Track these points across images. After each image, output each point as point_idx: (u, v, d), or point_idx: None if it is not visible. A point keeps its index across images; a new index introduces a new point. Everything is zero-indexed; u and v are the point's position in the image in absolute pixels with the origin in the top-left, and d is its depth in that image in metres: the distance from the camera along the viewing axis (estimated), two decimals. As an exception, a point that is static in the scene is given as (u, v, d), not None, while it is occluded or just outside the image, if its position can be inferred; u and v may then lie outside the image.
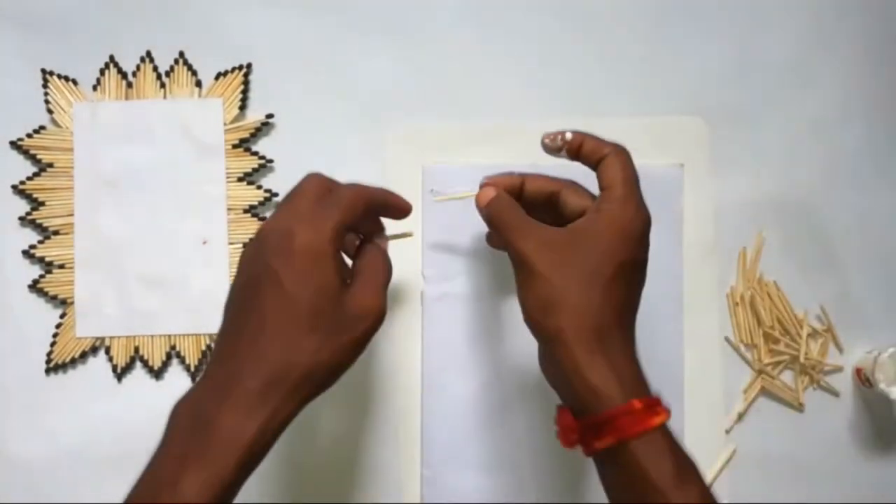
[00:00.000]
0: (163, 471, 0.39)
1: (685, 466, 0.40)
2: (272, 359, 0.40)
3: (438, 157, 0.58)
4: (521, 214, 0.47)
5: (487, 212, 0.49)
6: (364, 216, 0.45)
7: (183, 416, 0.40)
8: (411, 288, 0.57)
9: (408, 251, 0.56)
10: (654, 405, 0.41)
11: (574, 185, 0.48)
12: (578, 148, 0.47)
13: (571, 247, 0.43)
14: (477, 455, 0.57)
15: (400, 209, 0.48)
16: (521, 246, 0.44)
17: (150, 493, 0.38)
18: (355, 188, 0.45)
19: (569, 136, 0.47)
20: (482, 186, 0.50)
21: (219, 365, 0.41)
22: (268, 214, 0.58)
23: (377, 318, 0.43)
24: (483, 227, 0.51)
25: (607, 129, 0.48)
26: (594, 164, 0.46)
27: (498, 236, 0.48)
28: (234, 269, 0.57)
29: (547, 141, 0.47)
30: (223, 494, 0.38)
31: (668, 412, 0.41)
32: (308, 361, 0.40)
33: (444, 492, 0.56)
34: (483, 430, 0.57)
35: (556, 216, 0.47)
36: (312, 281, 0.41)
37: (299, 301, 0.40)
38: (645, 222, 0.45)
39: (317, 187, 0.44)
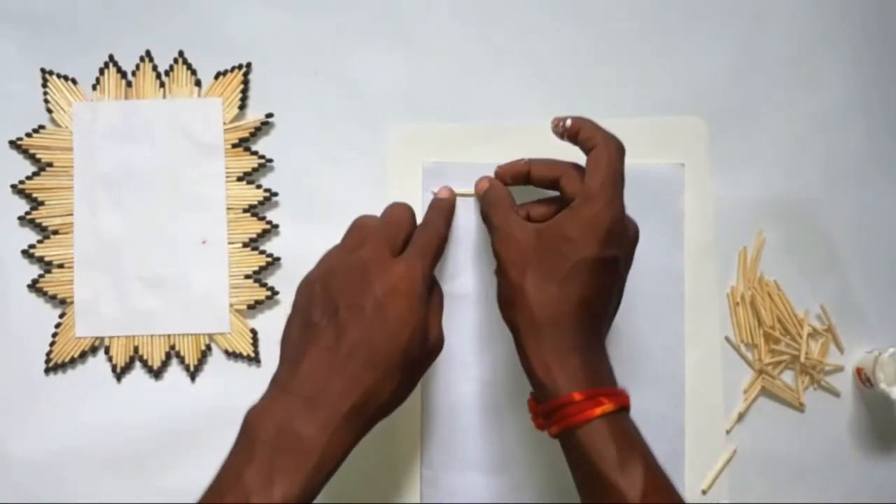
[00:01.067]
0: (252, 483, 0.40)
1: (630, 453, 0.42)
2: (363, 387, 0.43)
3: (439, 157, 0.58)
4: (504, 212, 0.49)
5: (480, 203, 0.52)
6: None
7: (267, 429, 0.41)
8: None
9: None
10: (597, 396, 0.43)
11: (574, 171, 0.49)
12: (576, 134, 0.48)
13: (536, 244, 0.46)
14: (477, 455, 0.57)
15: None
16: (495, 245, 0.48)
17: (243, 494, 0.40)
18: (431, 231, 0.49)
19: (569, 122, 0.49)
20: (494, 174, 0.53)
21: (304, 378, 0.43)
22: (268, 214, 0.58)
23: (440, 349, 0.47)
24: (483, 227, 0.52)
25: (606, 128, 0.48)
26: (587, 153, 0.48)
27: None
28: (235, 269, 0.57)
29: (552, 125, 0.50)
30: (306, 502, 0.41)
31: (614, 402, 0.43)
32: (391, 393, 0.44)
33: (444, 492, 0.56)
34: (483, 431, 0.57)
35: (563, 201, 0.49)
36: (411, 323, 0.44)
37: (398, 339, 0.43)
38: (613, 219, 0.45)
39: (410, 221, 0.48)
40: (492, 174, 0.54)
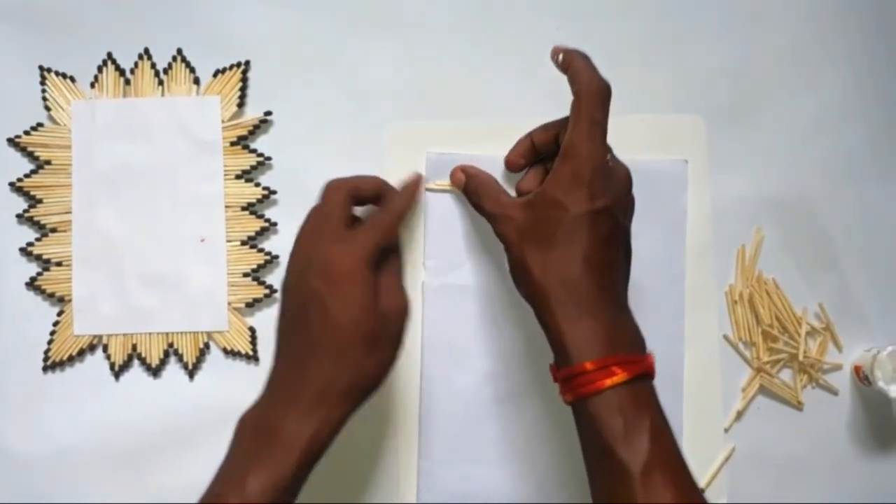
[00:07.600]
0: (229, 473, 0.43)
1: (638, 424, 0.41)
2: (326, 376, 0.43)
3: (441, 150, 0.58)
4: (492, 196, 0.50)
5: (467, 196, 0.54)
6: (395, 230, 0.48)
7: (247, 427, 0.44)
8: (412, 278, 0.57)
9: (409, 241, 0.57)
10: (610, 365, 0.42)
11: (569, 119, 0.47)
12: (566, 71, 0.47)
13: (529, 216, 0.46)
14: (475, 447, 0.57)
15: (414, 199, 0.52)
16: (496, 230, 0.49)
17: (218, 493, 0.42)
18: (385, 209, 0.48)
19: (561, 57, 0.47)
20: (505, 164, 0.55)
21: (276, 384, 0.45)
22: (266, 212, 0.58)
23: (407, 314, 0.47)
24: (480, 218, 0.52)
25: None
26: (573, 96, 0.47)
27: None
28: (234, 267, 0.57)
29: (551, 55, 0.48)
30: (285, 492, 0.42)
31: (628, 371, 0.42)
32: (353, 373, 0.44)
33: (442, 484, 0.56)
34: (482, 423, 0.57)
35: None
36: (355, 304, 0.44)
37: (343, 323, 0.43)
38: (593, 170, 0.44)
39: (343, 203, 0.47)
40: (497, 167, 0.54)
